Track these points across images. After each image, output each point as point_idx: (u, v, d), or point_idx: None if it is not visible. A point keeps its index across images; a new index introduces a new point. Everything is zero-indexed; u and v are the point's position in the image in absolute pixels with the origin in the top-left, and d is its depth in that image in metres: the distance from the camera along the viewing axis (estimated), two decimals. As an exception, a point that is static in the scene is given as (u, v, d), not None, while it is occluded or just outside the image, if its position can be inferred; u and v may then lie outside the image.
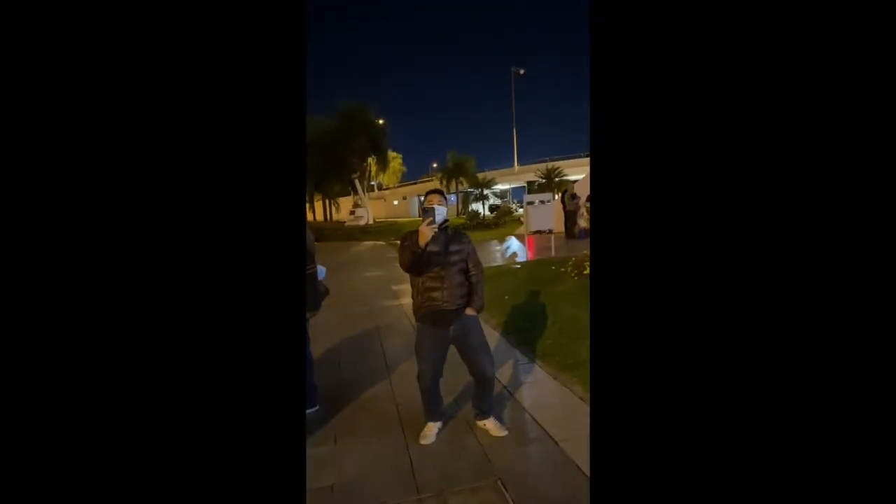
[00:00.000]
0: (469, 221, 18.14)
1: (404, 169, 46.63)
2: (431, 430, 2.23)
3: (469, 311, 2.14)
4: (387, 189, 42.10)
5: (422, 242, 1.95)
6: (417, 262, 2.01)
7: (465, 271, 2.16)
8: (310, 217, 27.87)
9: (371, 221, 22.70)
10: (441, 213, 2.05)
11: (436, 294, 2.08)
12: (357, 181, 22.89)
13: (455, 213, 29.77)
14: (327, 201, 27.74)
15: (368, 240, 15.62)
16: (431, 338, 2.12)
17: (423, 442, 2.18)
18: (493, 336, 3.79)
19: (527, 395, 2.64)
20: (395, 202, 40.49)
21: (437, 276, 2.07)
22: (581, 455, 1.98)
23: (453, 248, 2.10)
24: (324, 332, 3.99)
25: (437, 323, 2.10)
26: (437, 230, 1.97)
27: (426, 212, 2.00)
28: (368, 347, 3.72)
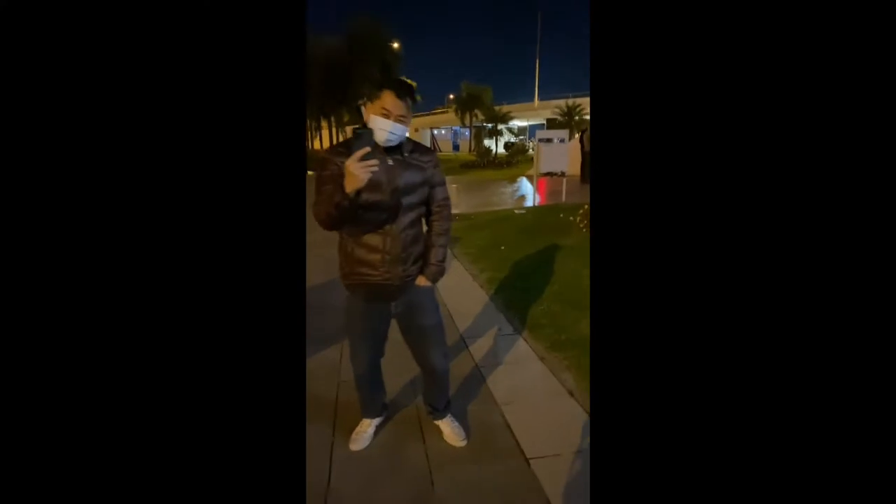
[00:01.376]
0: (480, 159, 17.07)
1: (418, 98, 44.22)
2: (366, 429, 1.70)
3: (421, 282, 1.45)
4: (399, 120, 40.08)
5: (350, 188, 1.14)
6: (343, 218, 1.21)
7: (429, 212, 1.44)
8: (316, 146, 26.70)
9: (378, 153, 21.54)
10: (396, 132, 1.25)
11: (372, 259, 1.34)
12: (364, 108, 21.44)
13: (468, 149, 28.37)
14: (334, 129, 26.44)
15: (372, 173, 14.73)
16: (365, 316, 1.48)
17: (352, 447, 1.66)
18: (478, 296, 3.22)
19: (502, 382, 2.09)
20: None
21: (378, 233, 1.33)
22: (555, 485, 1.45)
23: (407, 180, 1.32)
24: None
25: (372, 299, 1.45)
26: (376, 167, 1.13)
27: (358, 136, 1.15)
28: (330, 303, 3.14)
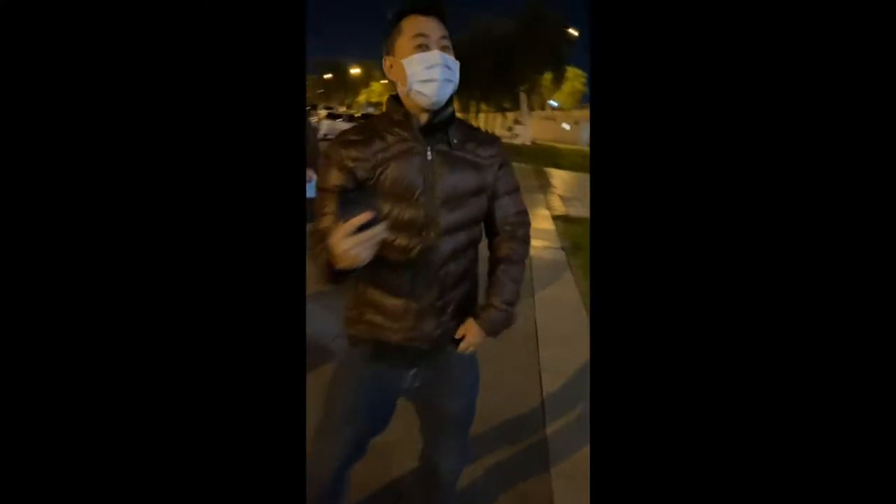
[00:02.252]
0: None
1: (587, 90, 41.91)
2: None
3: (467, 342, 0.90)
4: (561, 110, 38.61)
5: (339, 265, 0.70)
6: (342, 279, 0.78)
7: (491, 233, 0.95)
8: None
9: (528, 142, 21.09)
10: (450, 65, 0.81)
11: (391, 305, 0.85)
12: (524, 95, 21.02)
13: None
14: (489, 115, 26.72)
15: (516, 161, 14.47)
16: (364, 385, 0.92)
17: None
18: (578, 319, 2.76)
19: (566, 448, 1.69)
20: (566, 126, 37.07)
21: (402, 267, 0.83)
22: None
23: (453, 184, 0.83)
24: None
25: (382, 359, 0.90)
26: (377, 238, 0.68)
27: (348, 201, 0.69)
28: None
